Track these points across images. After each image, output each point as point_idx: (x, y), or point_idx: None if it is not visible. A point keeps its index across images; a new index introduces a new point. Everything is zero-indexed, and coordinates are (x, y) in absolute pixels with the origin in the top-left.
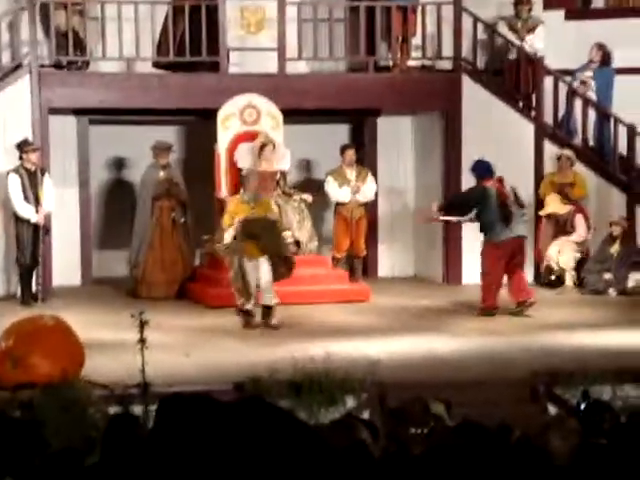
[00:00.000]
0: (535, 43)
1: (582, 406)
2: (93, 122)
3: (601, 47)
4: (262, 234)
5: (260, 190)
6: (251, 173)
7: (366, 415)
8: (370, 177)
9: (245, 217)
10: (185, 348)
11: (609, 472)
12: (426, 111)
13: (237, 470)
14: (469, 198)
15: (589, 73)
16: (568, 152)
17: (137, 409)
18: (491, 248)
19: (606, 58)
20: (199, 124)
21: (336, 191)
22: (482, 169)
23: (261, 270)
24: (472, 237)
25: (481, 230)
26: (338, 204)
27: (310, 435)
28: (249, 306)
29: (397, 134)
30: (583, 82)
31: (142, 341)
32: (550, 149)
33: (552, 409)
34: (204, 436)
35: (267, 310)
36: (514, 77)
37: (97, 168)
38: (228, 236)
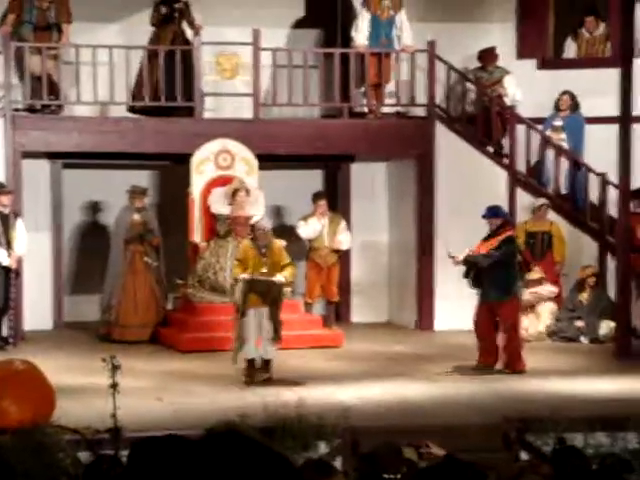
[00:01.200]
0: (516, 96)
1: (555, 452)
2: (67, 166)
3: (570, 95)
4: (266, 296)
5: (236, 235)
6: (262, 232)
7: (339, 460)
8: (343, 225)
9: (251, 277)
10: (157, 393)
11: None
12: (400, 157)
13: None
14: (509, 256)
15: (559, 122)
16: (545, 201)
17: (108, 454)
18: (517, 304)
19: (575, 105)
20: (173, 168)
21: (304, 228)
22: (505, 215)
23: (264, 322)
24: (444, 284)
25: (505, 284)
26: (311, 250)
27: (287, 467)
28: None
29: (371, 180)
30: (555, 129)
31: (114, 386)
32: (523, 197)
33: (524, 455)
34: (179, 474)
35: (265, 363)
36: (487, 125)
37: (70, 212)
38: (238, 292)
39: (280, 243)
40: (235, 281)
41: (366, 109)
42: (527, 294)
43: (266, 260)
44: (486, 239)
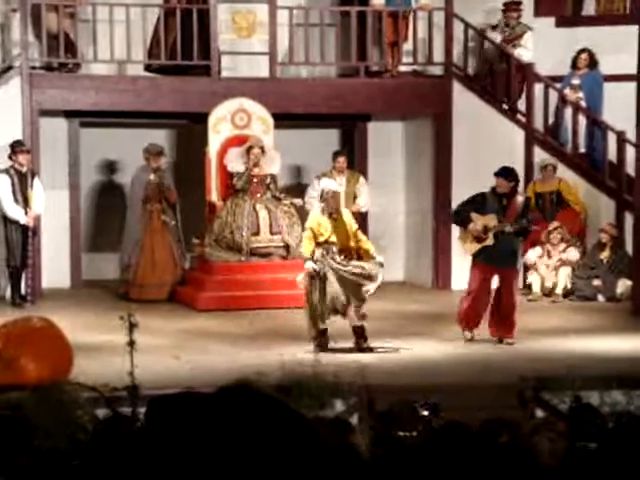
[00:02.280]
0: (522, 55)
1: (571, 410)
2: (84, 124)
3: (588, 52)
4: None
5: (252, 194)
6: (331, 194)
7: (355, 419)
8: (362, 182)
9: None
10: (175, 351)
11: (596, 475)
12: (417, 116)
13: (231, 460)
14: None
15: (577, 81)
16: (552, 161)
17: (126, 412)
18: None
19: (593, 63)
20: (190, 128)
21: (312, 200)
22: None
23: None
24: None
25: (520, 250)
26: None
27: (303, 425)
28: (323, 325)
29: (388, 139)
30: (573, 88)
31: (131, 343)
32: (540, 155)
33: (539, 413)
34: (194, 429)
35: (358, 331)
36: (504, 83)
37: (87, 170)
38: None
39: (296, 202)
40: (312, 256)
41: (383, 68)
42: (553, 259)
43: (337, 225)
44: (506, 205)
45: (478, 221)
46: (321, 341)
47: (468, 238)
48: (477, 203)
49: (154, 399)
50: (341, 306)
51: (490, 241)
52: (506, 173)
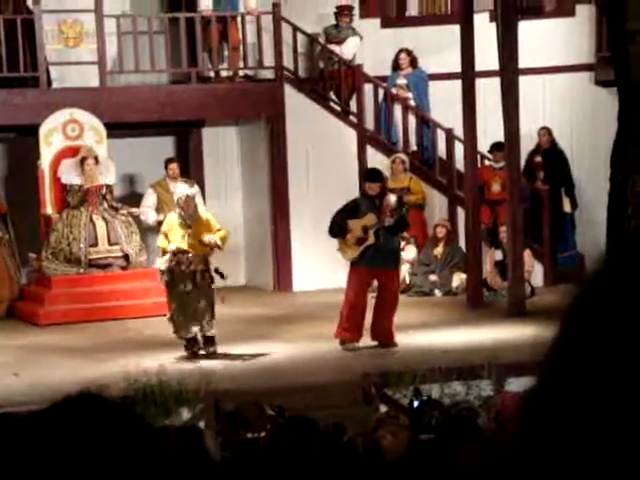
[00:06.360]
0: (344, 54)
1: (413, 404)
2: None
3: (406, 52)
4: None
5: (89, 205)
6: (184, 199)
7: (201, 425)
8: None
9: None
10: (14, 368)
11: (436, 465)
12: (250, 121)
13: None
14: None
15: (403, 80)
16: (402, 155)
17: None
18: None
19: (413, 61)
20: (21, 140)
21: (146, 210)
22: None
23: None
24: (301, 245)
25: (399, 252)
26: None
27: (153, 434)
28: (192, 334)
29: (223, 145)
30: (401, 88)
31: None
32: (373, 155)
33: (384, 409)
34: (38, 442)
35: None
36: (335, 85)
37: None
38: (164, 264)
39: (133, 211)
40: (163, 252)
41: (212, 73)
42: None
43: (191, 232)
44: (379, 205)
45: (356, 225)
46: (190, 347)
47: (348, 246)
48: (350, 210)
49: None
50: (200, 316)
51: (372, 239)
52: (372, 176)
